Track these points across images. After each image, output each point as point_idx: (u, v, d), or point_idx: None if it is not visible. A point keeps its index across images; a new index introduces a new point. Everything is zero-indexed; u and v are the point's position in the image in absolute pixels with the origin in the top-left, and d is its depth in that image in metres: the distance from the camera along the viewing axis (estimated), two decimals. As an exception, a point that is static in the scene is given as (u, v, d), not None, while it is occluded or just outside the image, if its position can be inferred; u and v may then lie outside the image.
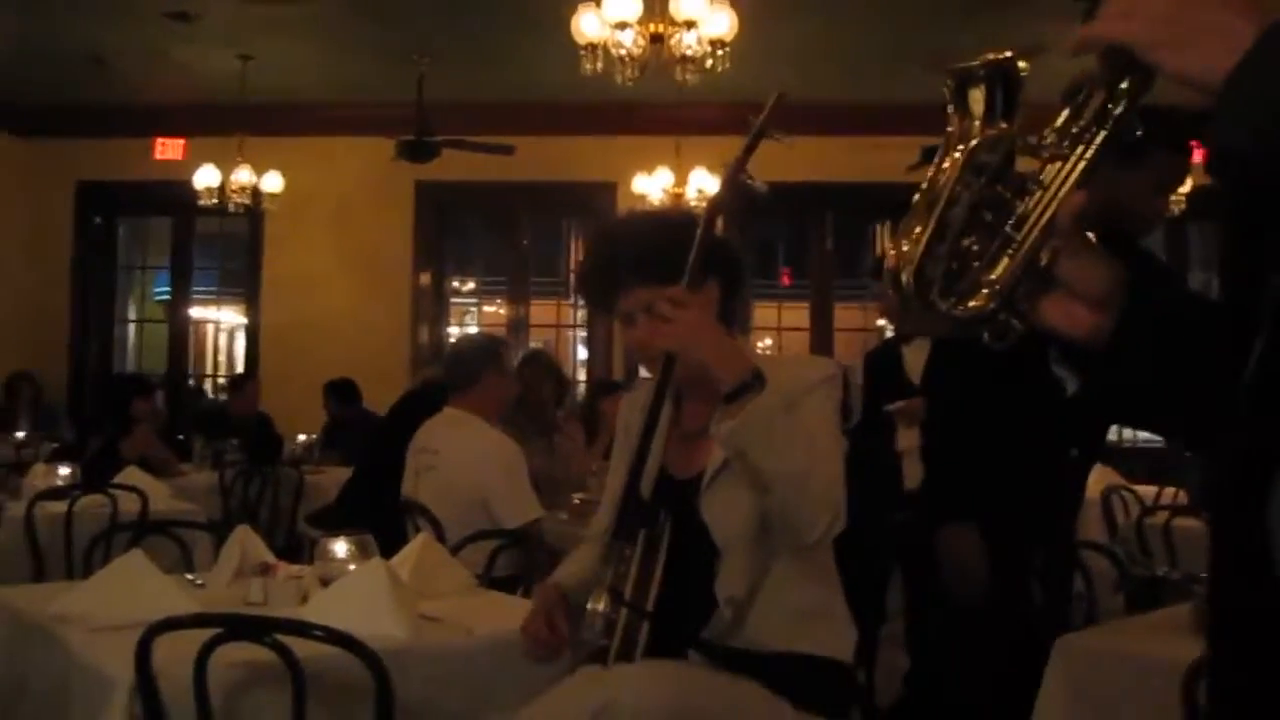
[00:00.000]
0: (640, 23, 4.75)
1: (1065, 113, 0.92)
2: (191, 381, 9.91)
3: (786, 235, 9.79)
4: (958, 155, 0.95)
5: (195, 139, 8.38)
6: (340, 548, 2.47)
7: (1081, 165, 0.91)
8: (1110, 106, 0.91)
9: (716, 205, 1.82)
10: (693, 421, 2.05)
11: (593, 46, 4.84)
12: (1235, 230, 0.98)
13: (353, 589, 2.19)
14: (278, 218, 8.27)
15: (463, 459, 3.67)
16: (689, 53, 4.78)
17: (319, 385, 7.46)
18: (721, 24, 4.80)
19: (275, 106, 7.98)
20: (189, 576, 2.66)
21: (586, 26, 4.84)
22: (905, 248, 0.96)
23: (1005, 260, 0.93)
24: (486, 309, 11.00)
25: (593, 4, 4.83)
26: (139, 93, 8.07)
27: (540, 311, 9.85)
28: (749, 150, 1.79)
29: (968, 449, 2.60)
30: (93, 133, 8.38)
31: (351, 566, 2.39)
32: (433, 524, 3.45)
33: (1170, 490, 5.27)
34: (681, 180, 7.27)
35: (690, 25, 4.74)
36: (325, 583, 2.34)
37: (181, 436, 7.03)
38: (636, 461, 1.92)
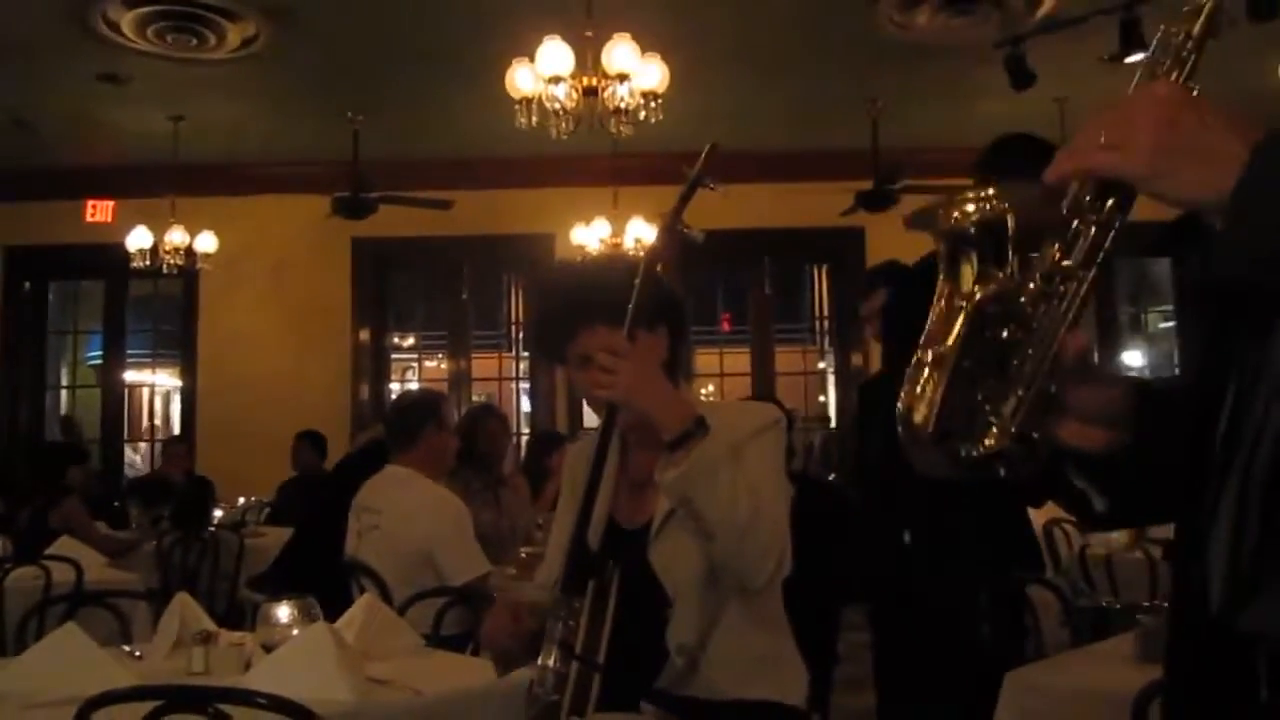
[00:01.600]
0: (573, 77, 4.81)
1: (1056, 249, 0.94)
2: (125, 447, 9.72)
3: (725, 282, 9.86)
4: (961, 307, 0.96)
5: (127, 200, 8.29)
6: (283, 612, 2.42)
7: (1078, 302, 0.94)
8: (1098, 239, 0.93)
9: (655, 254, 1.84)
10: (639, 470, 2.05)
11: (527, 101, 4.88)
12: (1202, 310, 1.02)
13: (297, 654, 2.14)
14: (213, 278, 8.18)
15: (406, 517, 3.62)
16: (623, 105, 4.83)
17: (257, 447, 7.37)
18: (653, 77, 4.87)
19: (208, 166, 7.93)
20: (126, 648, 2.59)
21: (520, 81, 4.89)
22: (919, 402, 0.97)
23: (1014, 399, 0.95)
24: (428, 364, 10.94)
25: (526, 59, 4.88)
26: (68, 155, 7.98)
27: (482, 365, 9.81)
28: (684, 200, 1.81)
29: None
30: (21, 196, 8.25)
31: (295, 631, 2.34)
32: (377, 584, 3.39)
33: (1110, 522, 5.33)
34: (619, 230, 7.32)
35: (623, 78, 4.80)
36: (269, 649, 2.29)
37: (117, 504, 6.87)
38: (583, 512, 1.91)
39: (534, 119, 4.89)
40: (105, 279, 8.93)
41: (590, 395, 1.99)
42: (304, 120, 7.49)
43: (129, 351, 9.48)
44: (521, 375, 9.67)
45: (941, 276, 0.98)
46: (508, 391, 10.11)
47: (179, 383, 9.30)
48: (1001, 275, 0.96)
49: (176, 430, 9.10)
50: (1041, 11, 5.96)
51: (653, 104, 4.88)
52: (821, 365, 9.94)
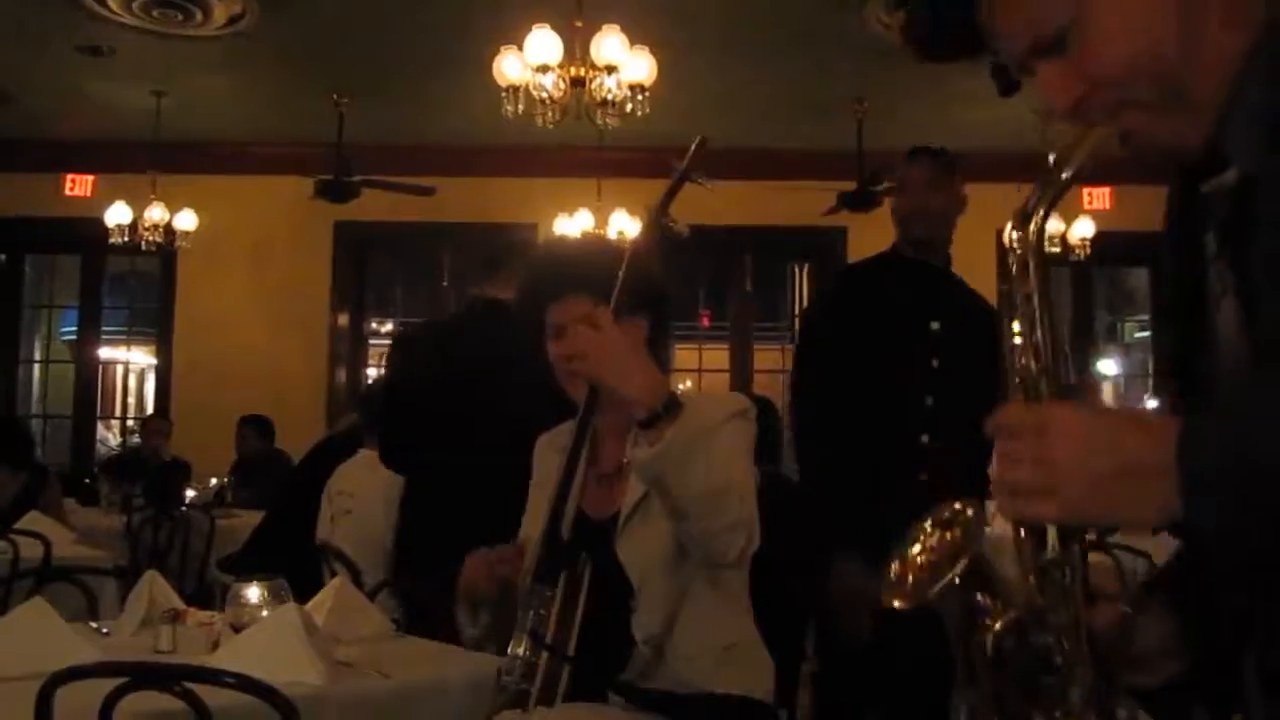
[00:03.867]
0: (561, 66, 4.80)
1: (1026, 541, 0.95)
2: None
3: (706, 277, 9.86)
4: (974, 658, 0.97)
5: (106, 176, 8.21)
6: (253, 593, 2.41)
7: (1080, 580, 0.95)
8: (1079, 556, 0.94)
9: (638, 247, 1.84)
10: (609, 462, 2.05)
11: (514, 89, 4.87)
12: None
13: (266, 635, 2.14)
14: (191, 256, 8.12)
15: (379, 502, 3.62)
16: (610, 97, 4.83)
17: (231, 427, 7.32)
18: (641, 69, 4.86)
19: (190, 144, 7.87)
20: (93, 625, 2.58)
21: (508, 69, 4.88)
22: None
23: (1074, 686, 0.95)
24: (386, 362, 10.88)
25: (514, 47, 4.87)
26: (48, 128, 7.90)
27: (460, 352, 9.77)
28: (671, 194, 1.82)
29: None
30: (-1, 167, 8.17)
31: (265, 612, 2.33)
32: (349, 568, 3.39)
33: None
34: (602, 223, 7.32)
35: (611, 70, 4.79)
36: (237, 629, 2.28)
37: (88, 480, 6.82)
38: (557, 503, 1.91)
39: (520, 108, 4.88)
40: (82, 254, 8.85)
41: (562, 367, 1.99)
42: (289, 101, 7.45)
43: (104, 328, 9.40)
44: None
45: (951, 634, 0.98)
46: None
47: (154, 361, 9.24)
48: (999, 606, 0.96)
49: (150, 409, 9.04)
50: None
51: (640, 97, 4.88)
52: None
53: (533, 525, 2.10)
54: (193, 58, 6.66)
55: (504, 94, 4.92)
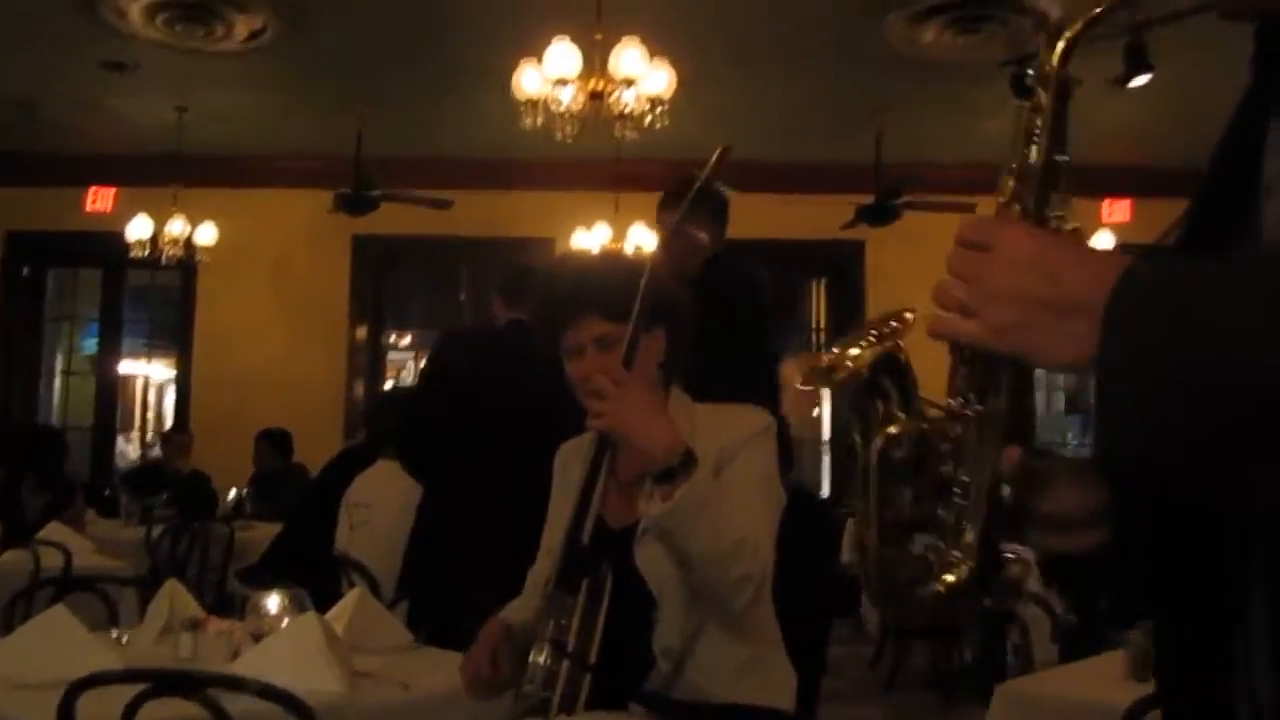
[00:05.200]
0: (580, 79, 4.81)
1: (961, 366, 0.90)
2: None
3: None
4: (869, 459, 0.95)
5: (128, 189, 8.27)
6: (273, 602, 2.42)
7: (1000, 417, 0.90)
8: (995, 368, 0.89)
9: (659, 255, 1.84)
10: (627, 471, 2.05)
11: (533, 102, 4.89)
12: None
13: (286, 644, 2.14)
14: (211, 270, 8.17)
15: (396, 512, 3.62)
16: (628, 110, 4.84)
17: (250, 441, 7.34)
18: (660, 82, 4.87)
19: (211, 158, 7.92)
20: (114, 633, 2.58)
21: (527, 83, 4.89)
22: (865, 561, 0.96)
23: (967, 527, 0.92)
24: (423, 363, 10.91)
25: (534, 60, 4.88)
26: (72, 142, 7.97)
27: (478, 366, 9.78)
28: (692, 202, 1.81)
29: None
30: (23, 181, 8.22)
31: (284, 621, 2.34)
32: (367, 579, 3.39)
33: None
34: (620, 236, 7.32)
35: (629, 83, 4.80)
36: (257, 638, 2.29)
37: (108, 492, 6.85)
38: (579, 511, 1.91)
39: (539, 121, 4.89)
40: (103, 268, 8.91)
41: (581, 388, 1.99)
42: (309, 115, 7.49)
43: (125, 341, 9.46)
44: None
45: (854, 429, 0.96)
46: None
47: (173, 374, 9.28)
48: (904, 417, 0.93)
49: (170, 422, 9.09)
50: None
51: (658, 109, 4.88)
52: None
53: (554, 534, 2.09)
54: (214, 72, 6.71)
55: (522, 108, 4.93)
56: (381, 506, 3.65)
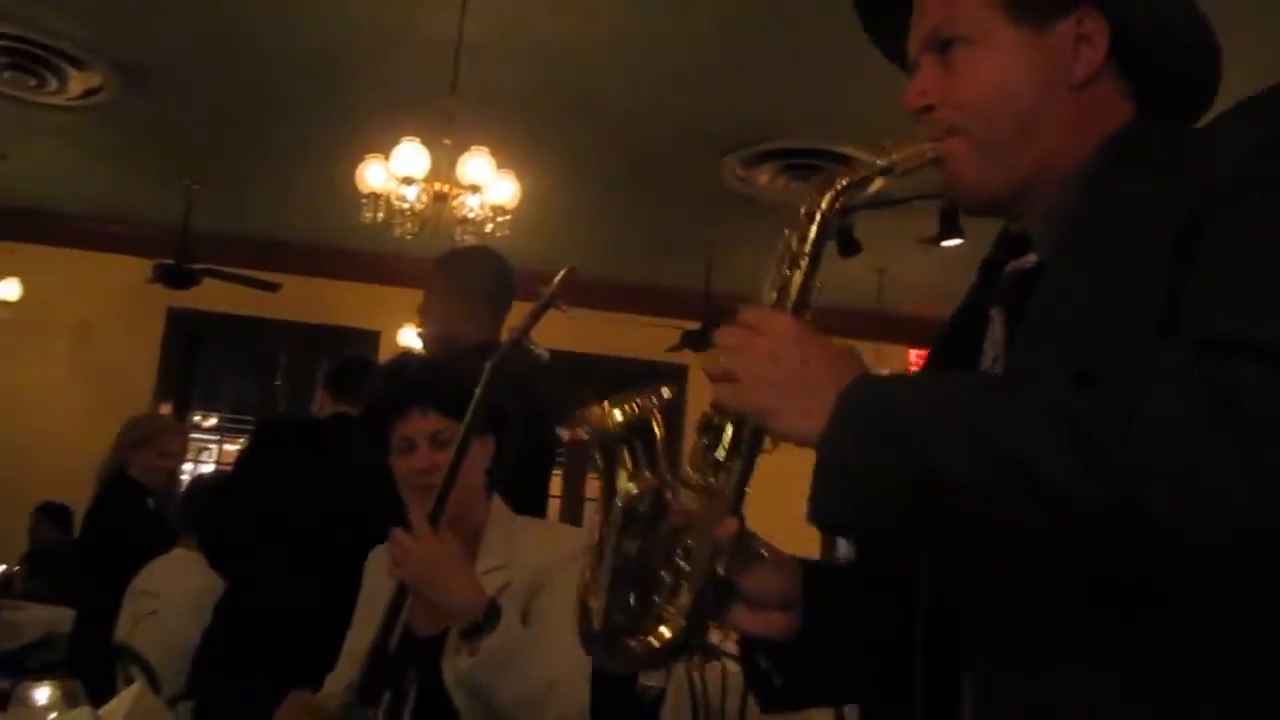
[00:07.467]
0: (426, 180, 4.83)
1: (703, 442, 0.99)
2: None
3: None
4: (616, 509, 1.01)
5: (-74, 235, 7.78)
6: (42, 694, 2.26)
7: (734, 491, 0.98)
8: (742, 435, 0.98)
9: (498, 362, 1.85)
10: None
11: (375, 196, 4.88)
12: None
13: (53, 740, 1.99)
14: (10, 327, 7.70)
15: (187, 604, 3.44)
16: (470, 215, 4.88)
17: (28, 513, 6.87)
18: (505, 192, 4.94)
19: (24, 210, 7.54)
20: None
21: (371, 177, 4.88)
22: (592, 600, 1.01)
23: (684, 589, 0.99)
24: (228, 447, 10.47)
25: (380, 156, 4.89)
26: None
27: (285, 454, 9.45)
28: (535, 317, 1.84)
29: None
30: None
31: (53, 715, 2.18)
32: (147, 673, 3.20)
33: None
34: (448, 336, 7.28)
35: (475, 189, 4.85)
36: (21, 732, 2.12)
37: None
38: (389, 618, 1.86)
39: (379, 215, 4.88)
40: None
41: (406, 482, 1.96)
42: (137, 180, 7.24)
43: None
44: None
45: (601, 480, 1.02)
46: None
47: (-50, 433, 8.63)
48: (649, 475, 1.00)
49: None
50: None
51: (500, 218, 4.94)
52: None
53: (358, 639, 2.03)
54: (40, 124, 6.44)
55: (364, 200, 4.91)
56: (171, 597, 3.47)
